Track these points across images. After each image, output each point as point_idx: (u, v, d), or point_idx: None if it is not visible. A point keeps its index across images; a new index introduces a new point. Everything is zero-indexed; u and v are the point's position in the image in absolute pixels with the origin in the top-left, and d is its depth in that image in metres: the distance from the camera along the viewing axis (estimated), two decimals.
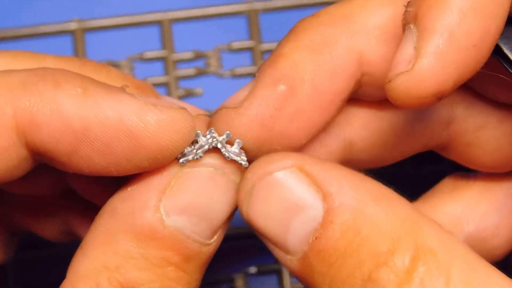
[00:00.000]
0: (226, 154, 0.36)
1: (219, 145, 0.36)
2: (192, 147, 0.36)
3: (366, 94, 0.40)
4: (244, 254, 0.54)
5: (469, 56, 0.34)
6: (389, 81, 0.34)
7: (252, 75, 0.57)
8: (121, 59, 0.57)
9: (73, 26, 0.57)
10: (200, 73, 0.57)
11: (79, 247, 0.36)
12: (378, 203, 0.33)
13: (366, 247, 0.32)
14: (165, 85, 0.56)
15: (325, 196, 0.34)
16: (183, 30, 0.57)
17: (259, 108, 0.37)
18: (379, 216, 0.33)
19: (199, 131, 0.37)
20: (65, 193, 0.45)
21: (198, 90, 0.56)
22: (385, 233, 0.32)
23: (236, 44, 0.57)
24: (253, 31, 0.57)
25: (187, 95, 0.56)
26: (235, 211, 0.37)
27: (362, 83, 0.40)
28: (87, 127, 0.34)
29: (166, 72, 0.57)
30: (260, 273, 0.54)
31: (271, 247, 0.36)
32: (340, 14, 0.39)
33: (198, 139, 0.37)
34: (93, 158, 0.35)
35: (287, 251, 0.35)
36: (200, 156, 0.36)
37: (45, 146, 0.34)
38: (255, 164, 0.36)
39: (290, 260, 0.35)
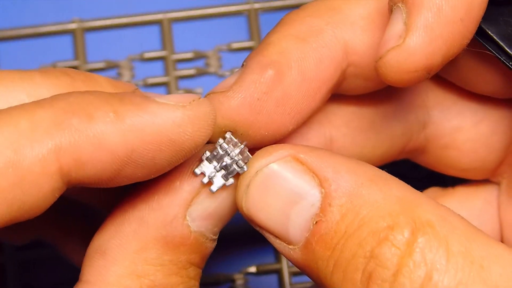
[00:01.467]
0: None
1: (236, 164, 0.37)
2: (213, 164, 0.37)
3: (350, 87, 0.41)
4: (244, 254, 0.54)
5: (457, 30, 0.35)
6: (380, 57, 0.35)
7: None
8: (121, 59, 0.57)
9: (73, 26, 0.57)
10: (200, 73, 0.57)
11: (100, 252, 0.36)
12: (374, 184, 0.34)
13: (366, 226, 0.33)
14: (165, 85, 0.56)
15: (321, 182, 0.34)
16: (183, 30, 0.57)
17: (247, 91, 0.38)
18: (376, 196, 0.34)
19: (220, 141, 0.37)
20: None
21: (198, 90, 0.56)
22: (383, 211, 0.33)
23: (236, 44, 0.57)
24: (253, 31, 0.57)
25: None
26: None
27: (348, 74, 0.40)
28: (132, 150, 0.34)
29: (166, 72, 0.57)
30: (260, 273, 0.54)
31: (272, 239, 0.36)
32: (325, 6, 0.40)
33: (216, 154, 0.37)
34: (136, 174, 0.35)
35: (289, 242, 0.35)
36: (231, 183, 0.37)
37: (90, 178, 0.34)
38: (251, 159, 0.37)
39: (292, 250, 0.35)
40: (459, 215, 0.34)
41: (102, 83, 0.39)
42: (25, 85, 0.37)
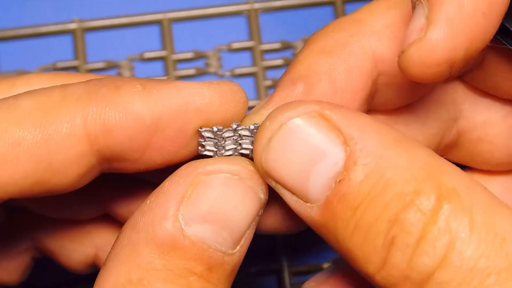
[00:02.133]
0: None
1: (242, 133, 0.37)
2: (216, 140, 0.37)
3: (383, 100, 0.41)
4: (247, 253, 0.54)
5: (479, 24, 0.35)
6: (402, 52, 0.35)
7: (252, 75, 0.57)
8: (121, 59, 0.57)
9: (73, 26, 0.57)
10: (200, 73, 0.57)
11: (103, 265, 0.35)
12: (400, 147, 0.33)
13: (391, 189, 0.32)
14: None
15: (346, 140, 0.34)
16: (183, 30, 0.57)
17: None
18: (402, 159, 0.33)
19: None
20: (96, 220, 0.46)
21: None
22: (409, 175, 0.32)
23: (236, 44, 0.57)
24: (253, 31, 0.57)
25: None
26: (258, 219, 0.37)
27: (379, 84, 0.40)
28: (159, 118, 0.35)
29: (166, 72, 0.57)
30: (260, 273, 0.54)
31: (289, 197, 0.35)
32: (349, 20, 0.40)
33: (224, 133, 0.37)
34: (166, 146, 0.36)
35: (307, 199, 0.34)
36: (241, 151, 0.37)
37: (118, 148, 0.35)
38: (273, 112, 0.35)
39: (310, 208, 0.34)
40: (483, 186, 0.33)
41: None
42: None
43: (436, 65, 0.35)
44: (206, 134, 0.36)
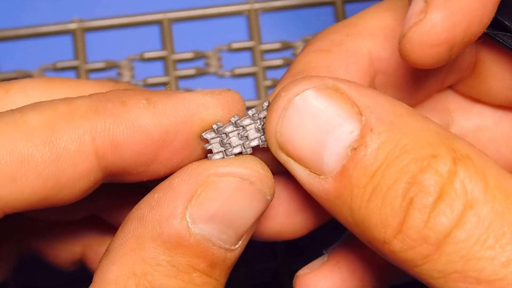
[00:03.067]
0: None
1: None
2: (222, 136, 0.37)
3: None
4: (246, 253, 0.54)
5: (476, 5, 0.36)
6: (403, 36, 0.36)
7: (252, 75, 0.57)
8: (121, 59, 0.57)
9: (73, 26, 0.57)
10: (200, 73, 0.57)
11: (106, 254, 0.36)
12: (412, 116, 0.34)
13: (408, 154, 0.33)
14: (165, 85, 0.56)
15: (361, 110, 0.34)
16: (183, 30, 0.57)
17: None
18: (416, 126, 0.34)
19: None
20: (84, 219, 0.46)
21: (198, 90, 0.56)
22: (424, 141, 0.33)
23: (236, 44, 0.57)
24: (253, 31, 0.57)
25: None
26: (261, 217, 0.37)
27: (378, 84, 0.41)
28: (166, 132, 0.36)
29: (166, 72, 0.57)
30: (260, 273, 0.54)
31: (301, 172, 0.35)
32: (343, 23, 0.41)
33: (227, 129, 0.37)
34: (172, 159, 0.36)
35: (321, 171, 0.35)
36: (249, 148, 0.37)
37: (126, 163, 0.36)
38: (288, 84, 0.36)
39: (324, 180, 0.35)
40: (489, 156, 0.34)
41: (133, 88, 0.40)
42: (74, 92, 0.40)
43: (437, 44, 0.36)
44: (210, 136, 0.37)
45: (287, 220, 0.40)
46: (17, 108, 0.35)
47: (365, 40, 0.40)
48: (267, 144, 0.37)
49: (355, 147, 0.34)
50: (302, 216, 0.40)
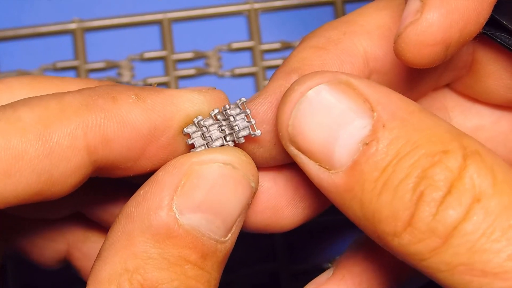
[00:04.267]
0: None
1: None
2: (200, 129, 0.37)
3: None
4: (246, 253, 0.54)
5: (472, 5, 0.36)
6: (399, 35, 0.36)
7: (252, 75, 0.57)
8: (121, 59, 0.57)
9: (73, 26, 0.57)
10: (200, 73, 0.57)
11: (98, 255, 0.36)
12: (424, 113, 0.35)
13: (420, 149, 0.34)
14: (165, 85, 0.56)
15: (373, 106, 0.35)
16: (183, 30, 0.57)
17: (273, 96, 0.39)
18: (427, 123, 0.35)
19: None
20: (68, 217, 0.46)
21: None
22: (436, 137, 0.34)
23: (236, 44, 0.57)
24: (253, 31, 0.57)
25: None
26: (248, 207, 0.37)
27: None
28: (154, 127, 0.36)
29: (166, 72, 0.57)
30: (259, 273, 0.54)
31: (311, 166, 0.36)
32: (341, 21, 0.41)
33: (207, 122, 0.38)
34: (159, 154, 0.37)
35: (331, 165, 0.35)
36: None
37: (115, 157, 0.36)
38: (301, 78, 0.36)
39: (334, 174, 0.35)
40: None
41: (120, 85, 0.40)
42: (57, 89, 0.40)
43: (433, 44, 0.36)
44: (191, 130, 0.37)
45: (275, 215, 0.41)
46: (8, 104, 0.36)
47: (362, 39, 0.40)
48: (242, 140, 0.38)
49: (367, 142, 0.34)
50: (291, 210, 0.41)
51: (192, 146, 0.37)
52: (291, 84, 0.36)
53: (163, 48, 0.57)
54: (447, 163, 0.33)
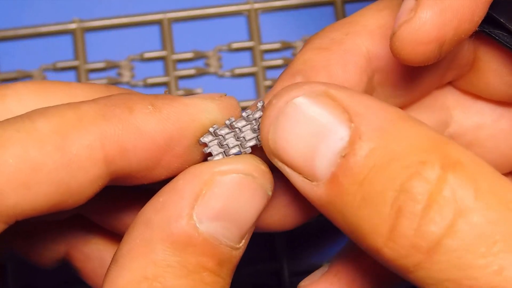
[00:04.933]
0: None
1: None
2: (217, 138, 0.37)
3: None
4: (247, 253, 0.54)
5: (467, 3, 0.36)
6: (393, 33, 0.37)
7: (252, 75, 0.57)
8: (121, 59, 0.57)
9: (73, 26, 0.57)
10: (200, 73, 0.57)
11: (113, 261, 0.36)
12: (404, 122, 0.34)
13: (397, 160, 0.33)
14: (165, 85, 0.56)
15: (351, 117, 0.34)
16: (183, 30, 0.57)
17: None
18: (407, 132, 0.34)
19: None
20: (68, 218, 0.46)
21: (198, 90, 0.56)
22: (414, 147, 0.33)
23: (236, 44, 0.57)
24: (253, 31, 0.57)
25: (187, 95, 0.56)
26: (261, 214, 0.37)
27: (376, 83, 0.41)
28: (170, 138, 0.36)
29: (166, 72, 0.57)
30: (260, 273, 0.54)
31: (295, 177, 0.36)
32: (343, 22, 0.41)
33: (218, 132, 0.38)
34: (173, 163, 0.37)
35: (313, 177, 0.35)
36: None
37: (132, 167, 0.36)
38: (280, 91, 0.36)
39: (316, 186, 0.35)
40: (485, 161, 0.34)
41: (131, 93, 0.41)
42: (66, 96, 0.40)
43: (427, 42, 0.36)
44: (207, 139, 0.37)
45: (276, 214, 0.41)
46: (26, 115, 0.35)
47: (364, 39, 0.40)
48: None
49: (343, 154, 0.34)
50: (292, 210, 0.41)
51: (209, 154, 0.37)
52: (269, 99, 0.36)
53: (163, 48, 0.57)
54: (425, 174, 0.32)
